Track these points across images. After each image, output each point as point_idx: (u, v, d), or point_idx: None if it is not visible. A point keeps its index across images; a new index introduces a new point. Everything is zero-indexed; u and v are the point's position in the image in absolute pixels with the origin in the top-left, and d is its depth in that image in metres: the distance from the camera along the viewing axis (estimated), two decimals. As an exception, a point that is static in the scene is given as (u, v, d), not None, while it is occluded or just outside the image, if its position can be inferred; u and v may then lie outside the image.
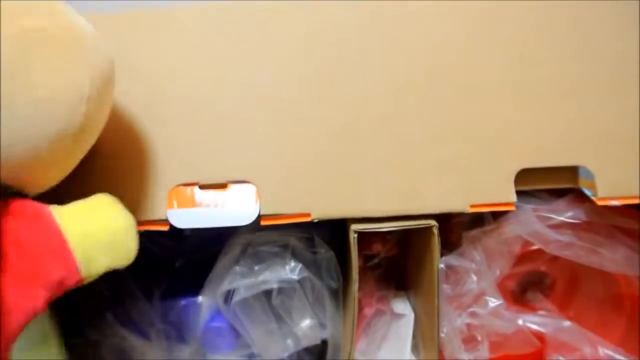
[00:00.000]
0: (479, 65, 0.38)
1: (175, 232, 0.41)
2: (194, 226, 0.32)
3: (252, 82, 0.37)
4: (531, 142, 0.36)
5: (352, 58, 0.38)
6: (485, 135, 0.36)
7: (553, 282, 0.46)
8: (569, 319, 0.44)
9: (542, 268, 0.45)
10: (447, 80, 0.37)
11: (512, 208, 0.35)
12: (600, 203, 0.34)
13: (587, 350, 0.43)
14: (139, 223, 0.32)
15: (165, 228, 0.32)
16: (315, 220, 0.33)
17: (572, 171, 0.36)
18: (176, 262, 0.42)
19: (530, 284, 0.46)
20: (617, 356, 0.43)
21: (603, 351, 0.43)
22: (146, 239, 0.39)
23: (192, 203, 0.32)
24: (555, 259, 0.43)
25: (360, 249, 0.41)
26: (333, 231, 0.41)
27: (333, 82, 0.36)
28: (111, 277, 0.37)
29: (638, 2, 0.41)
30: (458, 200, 0.34)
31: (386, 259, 0.43)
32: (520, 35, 0.38)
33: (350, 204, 0.34)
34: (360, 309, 0.42)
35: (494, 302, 0.39)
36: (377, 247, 0.41)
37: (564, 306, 0.46)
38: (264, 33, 0.38)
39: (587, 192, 0.35)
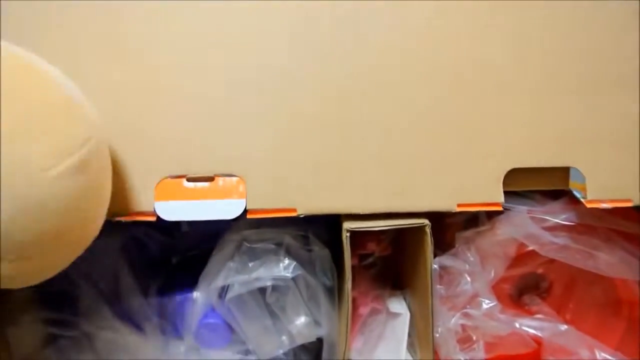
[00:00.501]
0: (473, 64, 0.38)
1: (172, 229, 0.41)
2: (180, 219, 0.32)
3: (243, 77, 0.37)
4: (522, 142, 0.36)
5: (345, 55, 0.38)
6: (476, 134, 0.36)
7: (550, 285, 0.46)
8: (566, 322, 0.44)
9: (539, 271, 0.45)
10: (441, 79, 0.37)
11: (500, 208, 0.34)
12: (589, 205, 0.34)
13: (584, 354, 0.43)
14: (128, 214, 0.32)
15: (153, 219, 0.32)
16: (301, 216, 0.33)
17: (563, 172, 0.36)
18: (172, 258, 0.42)
19: (527, 286, 0.46)
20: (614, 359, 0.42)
21: (600, 355, 0.42)
22: (143, 235, 0.40)
23: (179, 195, 0.33)
24: (551, 261, 0.43)
25: (355, 248, 0.41)
26: (329, 230, 0.41)
27: (325, 79, 0.36)
28: (108, 272, 0.37)
29: (638, 2, 0.41)
30: (446, 199, 0.34)
31: (382, 258, 0.43)
32: (514, 37, 0.38)
33: (338, 201, 0.34)
34: (356, 307, 0.42)
35: (487, 303, 0.39)
36: (372, 247, 0.41)
37: (561, 309, 0.46)
38: (256, 29, 0.38)
39: (577, 194, 0.35)
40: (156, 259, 0.41)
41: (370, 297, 0.43)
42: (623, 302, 0.43)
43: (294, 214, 0.33)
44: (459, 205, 0.34)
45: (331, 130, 0.36)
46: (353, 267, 0.42)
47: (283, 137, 0.36)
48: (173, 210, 0.32)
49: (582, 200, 0.34)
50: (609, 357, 0.42)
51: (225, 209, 0.32)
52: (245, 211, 0.33)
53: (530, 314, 0.44)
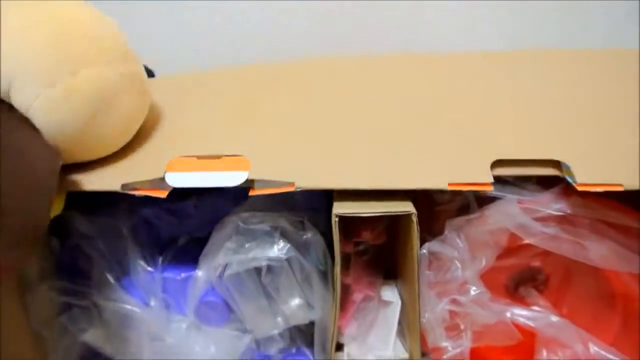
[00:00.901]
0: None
1: (180, 212, 0.44)
2: (188, 185, 0.35)
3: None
4: (512, 134, 0.37)
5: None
6: (467, 127, 0.38)
7: (547, 278, 0.46)
8: (563, 315, 0.44)
9: (535, 263, 0.45)
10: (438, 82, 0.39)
11: (490, 188, 0.35)
12: (580, 189, 0.35)
13: (578, 348, 0.43)
14: (139, 188, 0.35)
15: (163, 195, 0.35)
16: (299, 190, 0.35)
17: (553, 164, 0.37)
18: (179, 239, 0.45)
19: (523, 279, 0.46)
20: (609, 355, 0.42)
21: (594, 349, 0.43)
22: (152, 216, 0.43)
23: (189, 168, 0.36)
24: (547, 254, 0.43)
25: (350, 236, 0.43)
26: (327, 220, 0.43)
27: (327, 77, 0.39)
28: (119, 248, 0.40)
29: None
30: (437, 179, 0.35)
31: (376, 247, 0.45)
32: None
33: (334, 178, 0.36)
34: (350, 293, 0.44)
35: (476, 290, 0.40)
36: (367, 235, 0.43)
37: (557, 302, 0.46)
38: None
39: (568, 179, 0.35)
40: (164, 239, 0.44)
41: (364, 284, 0.44)
42: (617, 296, 0.43)
43: (292, 189, 0.35)
44: (450, 184, 0.35)
45: (330, 119, 0.39)
46: (348, 255, 0.44)
47: (286, 127, 0.40)
48: (182, 179, 0.35)
49: (573, 184, 0.35)
50: (603, 352, 0.42)
51: (230, 178, 0.35)
52: (249, 187, 0.35)
53: (526, 305, 0.45)
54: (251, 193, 0.35)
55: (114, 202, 0.42)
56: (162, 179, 0.35)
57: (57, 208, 0.34)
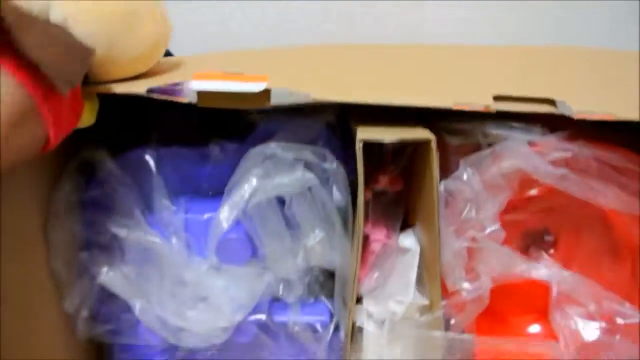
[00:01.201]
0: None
1: (207, 154, 0.45)
2: (209, 89, 0.36)
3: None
4: (513, 79, 0.41)
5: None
6: (472, 70, 0.43)
7: (555, 239, 0.47)
8: (574, 275, 0.45)
9: (543, 222, 0.47)
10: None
11: (493, 110, 0.38)
12: (578, 117, 0.37)
13: (591, 302, 0.43)
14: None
15: (185, 101, 0.36)
16: (313, 101, 0.37)
17: (549, 102, 0.40)
18: (204, 183, 0.46)
19: (533, 240, 0.47)
20: (622, 309, 0.43)
21: (607, 303, 0.43)
22: (179, 155, 0.44)
23: (214, 78, 0.38)
24: (554, 211, 0.45)
25: (368, 183, 0.45)
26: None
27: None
28: (145, 184, 0.41)
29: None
30: (445, 100, 0.38)
31: (394, 194, 0.46)
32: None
33: (348, 93, 0.38)
34: (369, 244, 0.45)
35: (492, 228, 0.41)
36: (384, 180, 0.44)
37: (567, 263, 0.47)
38: None
39: (566, 111, 0.38)
40: (189, 181, 0.45)
41: (382, 233, 0.45)
42: (625, 249, 0.45)
43: (307, 100, 0.36)
44: (455, 105, 0.37)
45: (350, 60, 0.42)
46: (366, 203, 0.45)
47: (307, 64, 0.44)
48: (205, 85, 0.37)
49: (571, 115, 0.37)
50: (616, 306, 0.43)
51: (250, 86, 0.36)
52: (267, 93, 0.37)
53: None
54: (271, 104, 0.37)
55: (143, 140, 0.43)
56: (187, 85, 0.37)
57: (90, 116, 0.36)
